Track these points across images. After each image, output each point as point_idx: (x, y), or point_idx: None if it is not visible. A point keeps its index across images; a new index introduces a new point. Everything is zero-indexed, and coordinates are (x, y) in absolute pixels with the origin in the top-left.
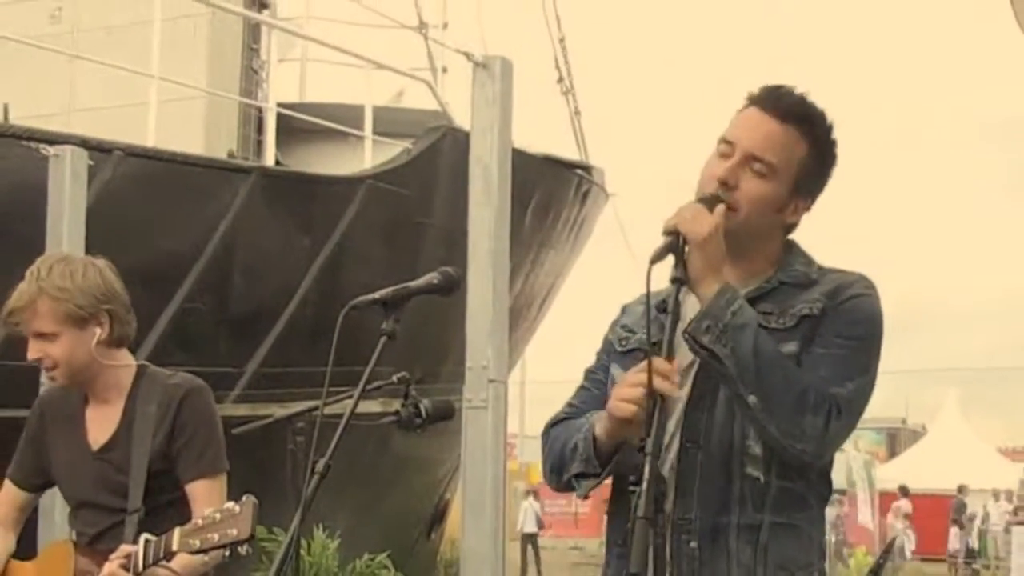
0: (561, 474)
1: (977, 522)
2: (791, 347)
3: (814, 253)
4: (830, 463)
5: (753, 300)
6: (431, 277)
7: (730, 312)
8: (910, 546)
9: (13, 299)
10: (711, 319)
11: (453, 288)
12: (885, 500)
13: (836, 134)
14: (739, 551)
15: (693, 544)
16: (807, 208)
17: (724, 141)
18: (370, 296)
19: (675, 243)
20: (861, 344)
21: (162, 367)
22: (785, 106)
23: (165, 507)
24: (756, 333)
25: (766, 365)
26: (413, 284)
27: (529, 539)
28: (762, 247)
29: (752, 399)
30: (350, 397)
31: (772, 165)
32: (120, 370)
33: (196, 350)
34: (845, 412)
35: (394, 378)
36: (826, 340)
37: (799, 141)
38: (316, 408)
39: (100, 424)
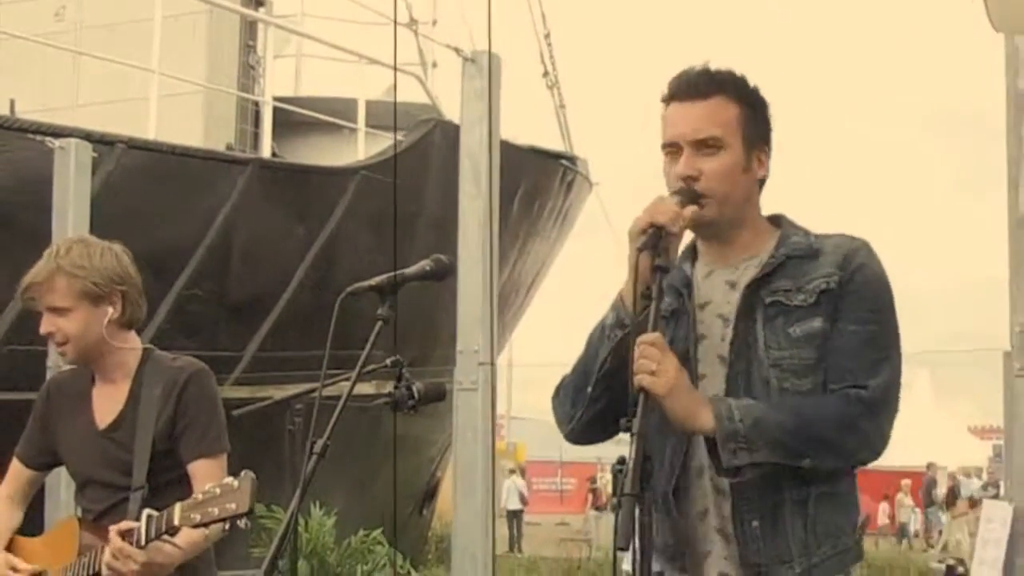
0: (586, 382)
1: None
2: (816, 324)
3: None
4: None
5: (767, 277)
6: (424, 264)
7: (739, 421)
8: (916, 525)
9: (31, 275)
10: (732, 441)
11: (445, 274)
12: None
13: (752, 80)
14: (793, 524)
15: (755, 523)
16: (768, 154)
17: (667, 146)
18: (366, 283)
19: (656, 235)
20: (883, 316)
21: (164, 351)
22: (697, 84)
23: (168, 485)
24: (767, 415)
25: (796, 430)
26: (407, 271)
27: (514, 516)
28: (750, 215)
29: (806, 462)
30: (346, 379)
31: (718, 138)
32: (128, 352)
33: (196, 334)
34: (883, 406)
35: (387, 361)
36: (853, 315)
37: (726, 104)
38: (313, 390)
39: (107, 404)
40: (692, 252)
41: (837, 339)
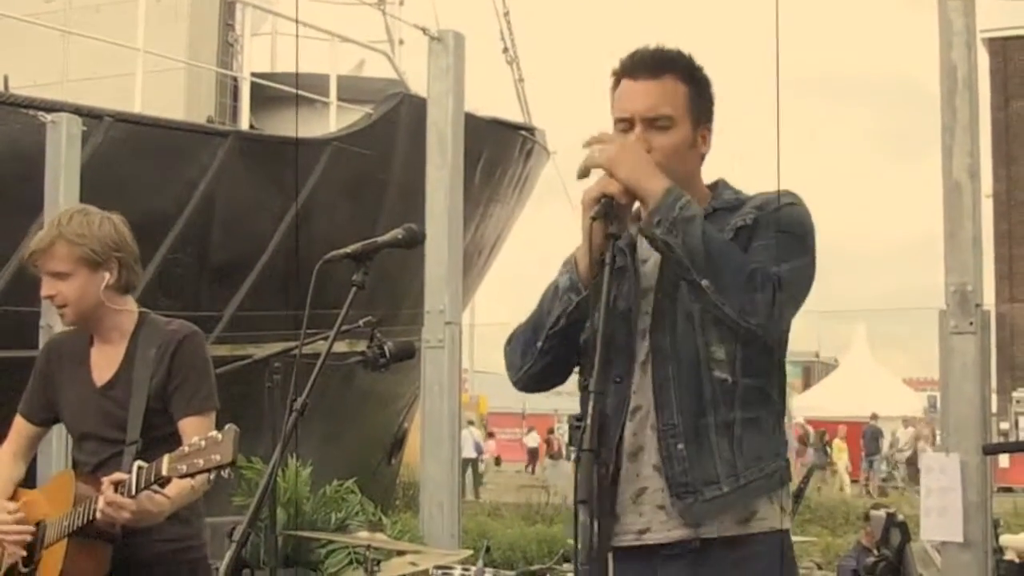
0: (537, 337)
1: (885, 447)
2: None
3: None
4: (783, 356)
5: None
6: (396, 233)
7: (678, 207)
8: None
9: (34, 242)
10: (661, 215)
11: (416, 243)
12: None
13: (698, 61)
14: (719, 447)
15: (680, 446)
16: (711, 131)
17: (619, 121)
18: (342, 251)
19: (608, 204)
20: (795, 237)
21: (150, 311)
22: (649, 63)
23: (160, 441)
24: (703, 224)
25: (715, 251)
26: (380, 239)
27: (469, 463)
28: (693, 188)
29: (705, 283)
30: (323, 339)
31: (670, 116)
32: (124, 315)
33: (179, 296)
34: (787, 287)
35: (360, 322)
36: (763, 236)
37: (677, 84)
38: (291, 349)
39: (104, 363)
40: (637, 218)
41: (748, 254)
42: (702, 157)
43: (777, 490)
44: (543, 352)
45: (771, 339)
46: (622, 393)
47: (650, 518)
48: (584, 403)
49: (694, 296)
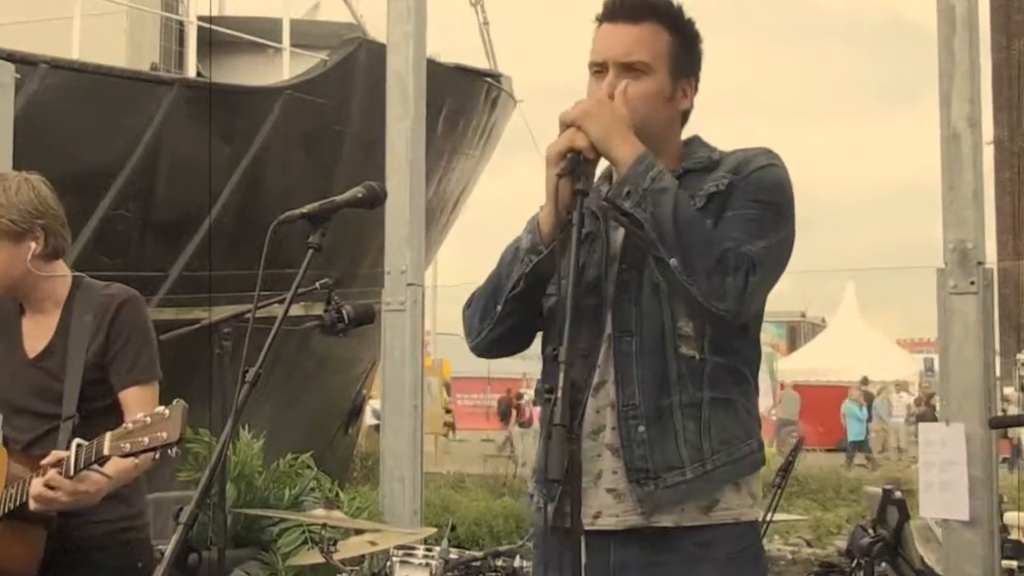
0: (496, 300)
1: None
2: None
3: None
4: (758, 329)
5: None
6: (356, 191)
7: (649, 178)
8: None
9: None
10: (631, 185)
11: (377, 202)
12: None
13: (688, 13)
14: (684, 429)
15: (641, 428)
16: (694, 88)
17: (593, 65)
18: (297, 211)
19: (575, 159)
20: (772, 207)
21: (88, 272)
22: (631, 8)
23: (99, 414)
24: (676, 197)
25: (686, 228)
26: (339, 199)
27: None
28: (665, 144)
29: (673, 262)
30: (279, 302)
31: (645, 63)
32: (56, 281)
33: (122, 255)
34: (760, 269)
35: (317, 284)
36: (737, 205)
37: (659, 32)
38: (242, 314)
39: (36, 333)
40: (609, 176)
41: (721, 226)
42: (682, 114)
43: (746, 476)
44: (502, 317)
45: (741, 321)
46: (587, 367)
47: (603, 501)
48: (552, 374)
49: (660, 271)
